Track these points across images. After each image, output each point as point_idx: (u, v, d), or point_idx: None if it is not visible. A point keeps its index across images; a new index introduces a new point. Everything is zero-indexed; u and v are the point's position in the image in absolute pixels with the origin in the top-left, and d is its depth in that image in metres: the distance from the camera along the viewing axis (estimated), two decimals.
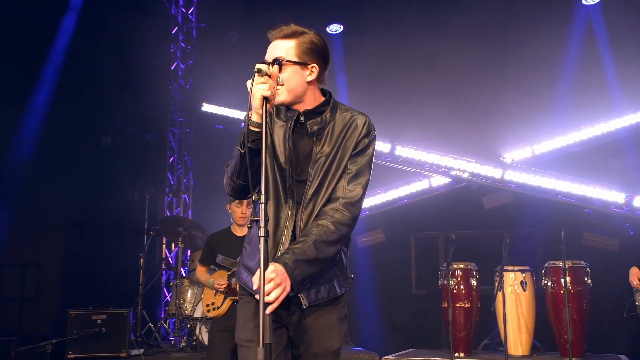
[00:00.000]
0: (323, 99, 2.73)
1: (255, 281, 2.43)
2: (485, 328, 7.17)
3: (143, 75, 9.15)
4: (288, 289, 2.43)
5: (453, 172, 8.95)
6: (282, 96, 2.61)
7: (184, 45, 10.94)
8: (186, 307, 7.53)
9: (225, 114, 9.99)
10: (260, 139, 2.38)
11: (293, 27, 2.65)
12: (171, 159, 10.65)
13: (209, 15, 10.73)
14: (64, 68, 8.82)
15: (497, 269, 6.73)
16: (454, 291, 6.83)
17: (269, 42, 2.70)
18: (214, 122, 10.16)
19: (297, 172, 2.67)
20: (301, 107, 2.68)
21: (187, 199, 10.60)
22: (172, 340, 8.05)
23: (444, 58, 9.02)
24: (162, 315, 9.68)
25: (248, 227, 2.85)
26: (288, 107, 2.72)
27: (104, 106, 9.01)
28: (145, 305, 7.92)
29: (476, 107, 8.90)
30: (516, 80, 8.74)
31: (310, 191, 2.64)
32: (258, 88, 2.42)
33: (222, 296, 5.53)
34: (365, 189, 2.69)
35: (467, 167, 8.80)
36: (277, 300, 2.38)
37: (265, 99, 2.41)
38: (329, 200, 2.65)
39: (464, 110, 8.91)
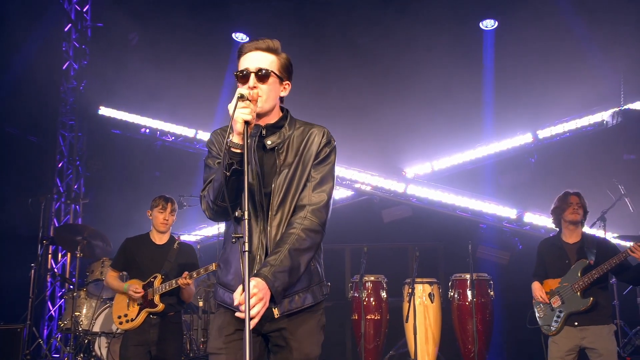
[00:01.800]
0: (281, 114, 2.84)
1: (237, 297, 2.42)
2: (391, 340, 7.29)
3: (29, 73, 8.52)
4: (267, 302, 2.45)
5: (357, 185, 9.11)
6: (260, 105, 2.65)
7: (77, 45, 10.32)
8: (82, 320, 7.06)
9: (124, 118, 9.54)
10: (241, 160, 2.47)
11: (277, 43, 2.75)
12: (60, 164, 9.97)
13: (106, 15, 10.19)
14: None
15: (408, 280, 6.89)
16: (365, 303, 6.91)
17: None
18: (111, 126, 9.67)
19: (263, 185, 2.73)
20: (264, 121, 2.75)
21: (77, 207, 9.96)
22: (65, 357, 7.49)
23: (348, 73, 9.19)
24: (47, 330, 9.00)
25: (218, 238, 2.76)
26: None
27: None
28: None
29: (378, 123, 9.11)
30: (417, 98, 9.06)
31: (276, 202, 2.71)
32: (240, 113, 2.48)
33: (137, 307, 5.24)
34: (330, 195, 2.79)
35: (371, 180, 8.99)
36: (258, 314, 2.40)
37: (247, 123, 2.48)
38: (295, 209, 2.72)
39: (367, 125, 9.10)
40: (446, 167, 9.26)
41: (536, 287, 5.50)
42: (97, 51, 10.05)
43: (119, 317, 5.29)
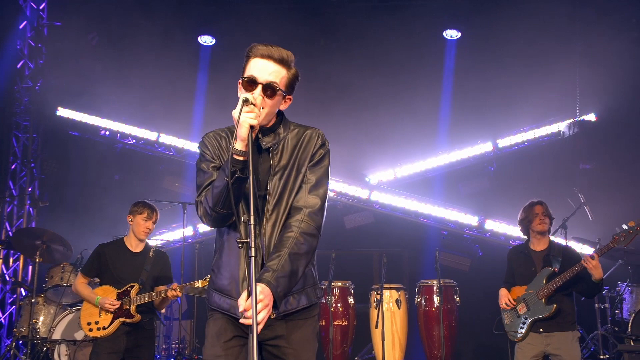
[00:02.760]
0: (276, 118, 2.82)
1: (243, 303, 2.39)
2: (357, 345, 7.32)
3: None
4: (271, 307, 2.46)
5: None
6: (261, 119, 2.61)
7: (33, 44, 9.99)
8: (39, 327, 6.84)
9: (83, 120, 9.28)
10: (245, 167, 2.46)
11: (290, 56, 2.72)
12: (14, 166, 9.62)
13: (64, 13, 9.90)
14: None
15: (376, 287, 6.93)
16: (332, 309, 6.92)
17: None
18: (69, 128, 9.40)
19: (258, 187, 2.69)
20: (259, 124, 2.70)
21: (31, 210, 9.64)
22: None
23: (311, 79, 9.15)
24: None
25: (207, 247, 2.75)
26: None
27: None
28: None
29: (342, 129, 9.11)
30: (381, 105, 9.14)
31: (271, 203, 2.69)
32: (246, 117, 2.47)
33: (110, 316, 5.11)
34: (325, 198, 2.78)
35: (335, 186, 9.01)
36: (263, 320, 2.40)
37: (251, 128, 2.47)
38: (291, 211, 2.71)
39: (331, 131, 9.07)
40: (409, 174, 9.36)
41: (502, 293, 5.63)
42: (55, 51, 9.75)
43: (89, 323, 5.15)
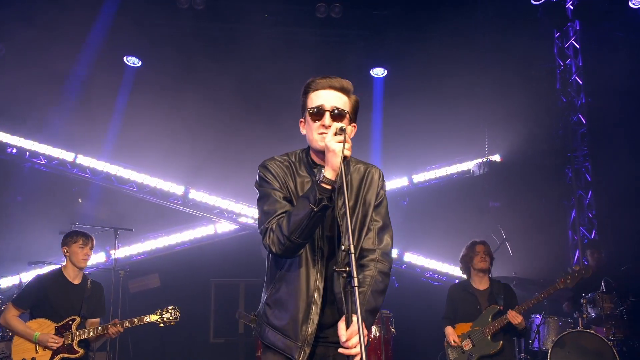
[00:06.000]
0: None
1: (344, 333, 2.38)
2: None
3: None
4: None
5: (243, 219, 9.02)
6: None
7: None
8: None
9: None
10: (331, 197, 2.45)
11: (350, 84, 2.75)
12: None
13: None
14: None
15: None
16: None
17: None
18: None
19: (323, 227, 2.67)
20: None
21: None
22: None
23: (231, 106, 9.07)
24: None
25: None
26: (314, 162, 2.77)
27: None
28: None
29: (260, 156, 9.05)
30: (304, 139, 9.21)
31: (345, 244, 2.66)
32: (341, 147, 2.43)
33: (49, 352, 4.77)
34: (392, 238, 2.81)
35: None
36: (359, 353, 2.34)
37: (344, 159, 2.45)
38: (362, 251, 2.71)
39: (250, 161, 9.00)
40: None
41: (449, 331, 5.90)
42: None
43: None
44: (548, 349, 6.47)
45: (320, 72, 8.78)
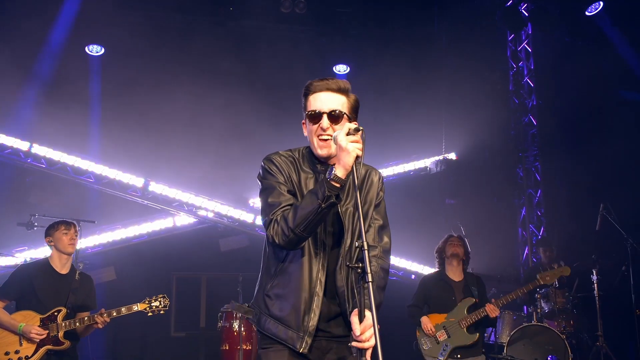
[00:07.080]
0: None
1: (358, 327, 2.44)
2: None
3: None
4: None
5: (202, 212, 8.95)
6: (333, 148, 2.64)
7: None
8: None
9: None
10: (338, 195, 2.50)
11: (347, 84, 2.79)
12: None
13: None
14: None
15: None
16: (237, 333, 6.82)
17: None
18: None
19: (325, 223, 2.73)
20: (333, 161, 2.74)
21: None
22: None
23: (200, 102, 8.99)
24: None
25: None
26: (318, 159, 2.81)
27: None
28: None
29: (227, 156, 8.95)
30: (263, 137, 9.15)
31: (349, 241, 2.74)
32: (355, 147, 2.46)
33: (34, 345, 4.63)
34: (391, 238, 2.91)
35: (221, 209, 8.91)
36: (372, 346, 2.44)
37: (356, 158, 2.48)
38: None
39: (215, 157, 8.93)
40: None
41: (425, 320, 6.02)
42: None
43: (7, 353, 4.63)
44: (504, 343, 6.70)
45: (285, 68, 8.80)
